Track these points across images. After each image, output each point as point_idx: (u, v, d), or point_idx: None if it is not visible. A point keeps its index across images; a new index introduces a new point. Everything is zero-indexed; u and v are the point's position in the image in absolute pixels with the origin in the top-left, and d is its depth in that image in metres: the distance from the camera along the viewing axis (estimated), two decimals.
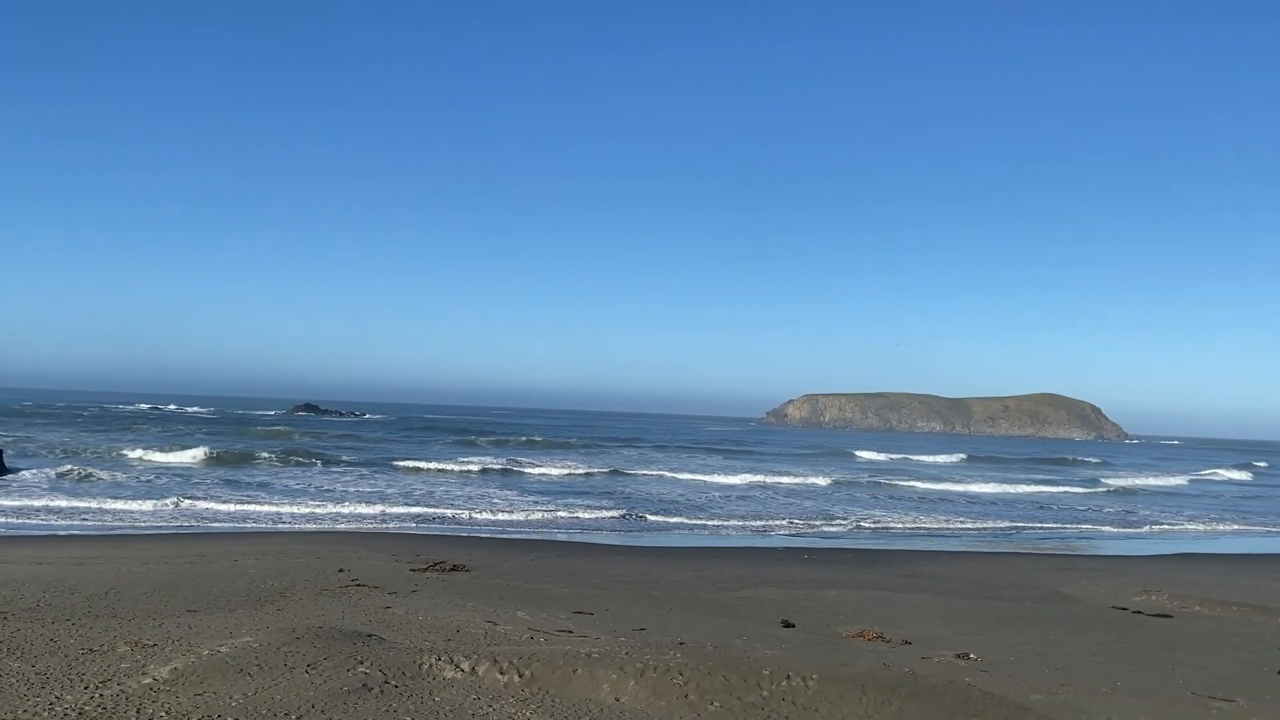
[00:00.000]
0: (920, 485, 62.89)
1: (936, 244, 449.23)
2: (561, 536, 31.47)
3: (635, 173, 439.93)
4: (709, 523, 38.07)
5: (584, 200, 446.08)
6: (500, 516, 36.89)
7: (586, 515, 38.42)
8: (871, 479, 65.32)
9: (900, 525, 40.53)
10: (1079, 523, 44.11)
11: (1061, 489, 64.43)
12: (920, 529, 39.91)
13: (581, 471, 60.06)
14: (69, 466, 48.62)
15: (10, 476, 43.69)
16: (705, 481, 57.35)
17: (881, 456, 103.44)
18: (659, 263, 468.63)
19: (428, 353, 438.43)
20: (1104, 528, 42.85)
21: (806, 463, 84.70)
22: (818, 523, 39.68)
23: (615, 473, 60.77)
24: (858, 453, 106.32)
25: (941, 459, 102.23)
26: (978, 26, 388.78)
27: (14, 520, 31.00)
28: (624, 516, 38.35)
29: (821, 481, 60.51)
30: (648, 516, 38.80)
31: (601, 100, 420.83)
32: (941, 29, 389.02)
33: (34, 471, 46.19)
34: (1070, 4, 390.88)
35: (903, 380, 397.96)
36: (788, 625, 16.55)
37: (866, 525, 39.78)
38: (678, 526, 36.79)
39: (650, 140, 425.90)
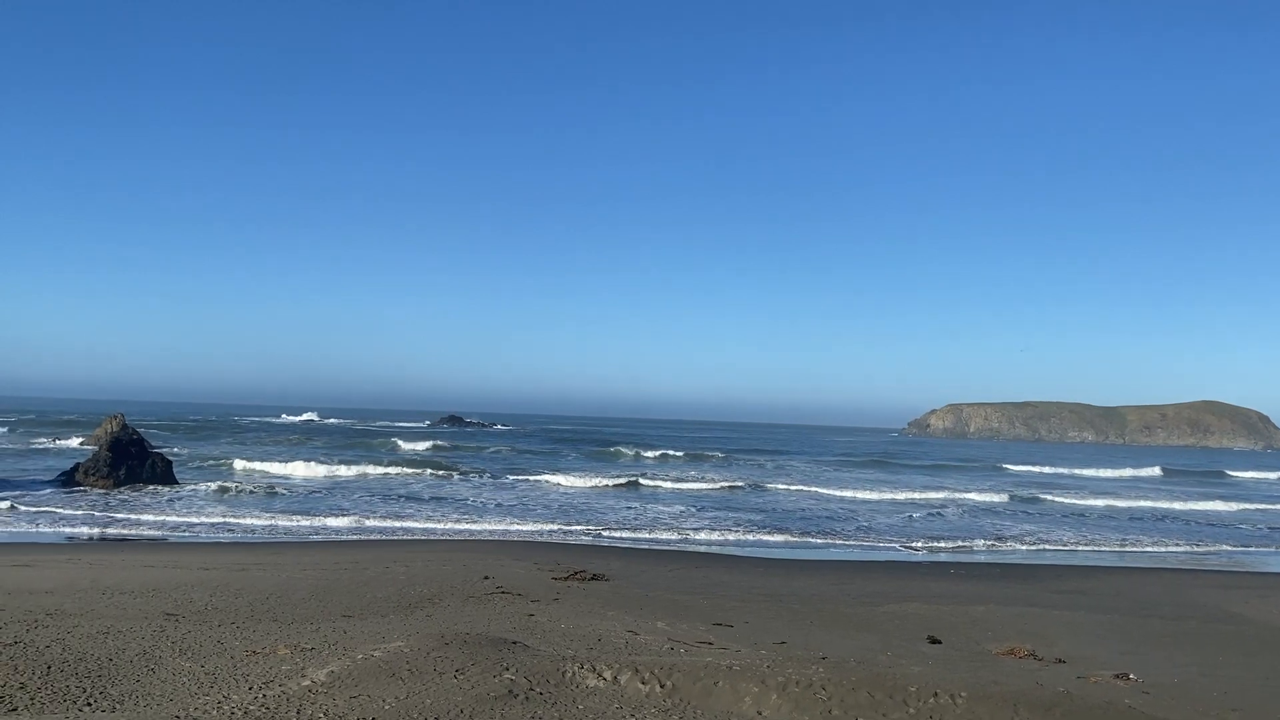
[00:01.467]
0: (1076, 500, 60.23)
1: (1081, 244, 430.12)
2: (700, 548, 31.45)
3: (758, 188, 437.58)
4: (849, 536, 37.43)
5: (710, 215, 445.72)
6: (640, 528, 37.13)
7: (726, 529, 38.28)
8: (1023, 492, 62.91)
9: (1054, 542, 38.93)
10: (1253, 544, 41.36)
11: (1236, 506, 60.55)
12: (1073, 545, 38.24)
13: (721, 485, 59.87)
14: (228, 479, 51.55)
15: (177, 488, 46.53)
16: (847, 496, 56.24)
17: (1034, 469, 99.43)
18: (793, 275, 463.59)
19: (563, 364, 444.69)
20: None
21: (953, 475, 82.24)
22: (964, 537, 38.49)
23: (755, 486, 60.31)
24: (1008, 465, 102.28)
25: (1107, 473, 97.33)
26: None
27: (183, 528, 32.91)
28: (764, 529, 38.06)
29: (972, 496, 58.55)
30: (788, 529, 38.41)
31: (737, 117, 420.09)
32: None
33: (197, 484, 49.06)
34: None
35: (1050, 388, 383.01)
36: (934, 641, 16.10)
37: (1016, 541, 38.39)
38: (817, 539, 36.29)
39: (769, 155, 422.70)
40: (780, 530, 37.95)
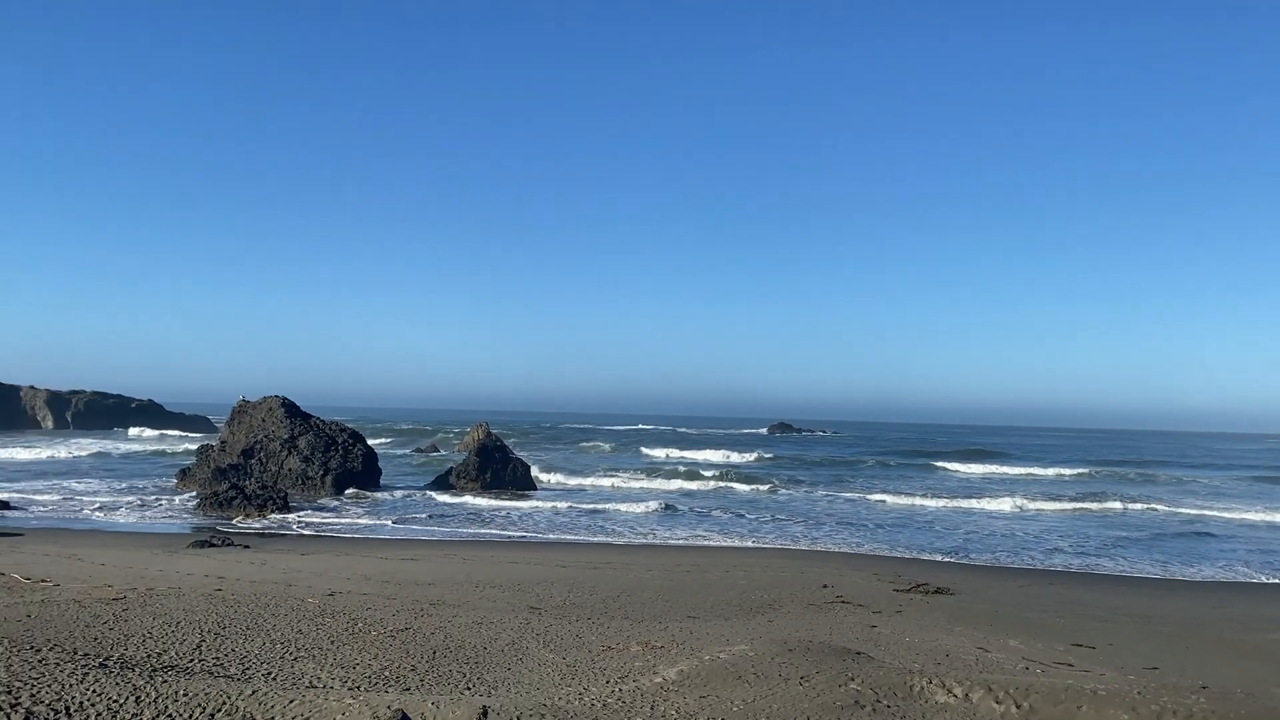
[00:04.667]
0: None
1: None
2: (1056, 565, 29.48)
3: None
4: (1233, 556, 33.56)
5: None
6: (987, 542, 35.42)
7: (1086, 551, 35.63)
8: None
9: None
10: None
11: None
12: None
13: (1083, 496, 55.78)
14: (576, 483, 55.02)
15: (534, 492, 50.28)
16: (1228, 517, 50.09)
17: None
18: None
19: (888, 368, 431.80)
20: None
21: None
22: None
23: (1118, 501, 55.68)
24: None
25: None
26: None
27: (540, 529, 35.47)
28: (1126, 543, 35.05)
29: None
30: (1159, 544, 35.10)
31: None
32: None
33: (549, 488, 52.71)
34: None
35: None
36: None
37: None
38: (1191, 554, 32.84)
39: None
40: (1145, 541, 34.72)
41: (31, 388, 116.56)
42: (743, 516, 40.96)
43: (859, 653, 11.71)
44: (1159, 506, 50.20)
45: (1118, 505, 50.42)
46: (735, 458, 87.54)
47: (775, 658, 10.71)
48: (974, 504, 48.83)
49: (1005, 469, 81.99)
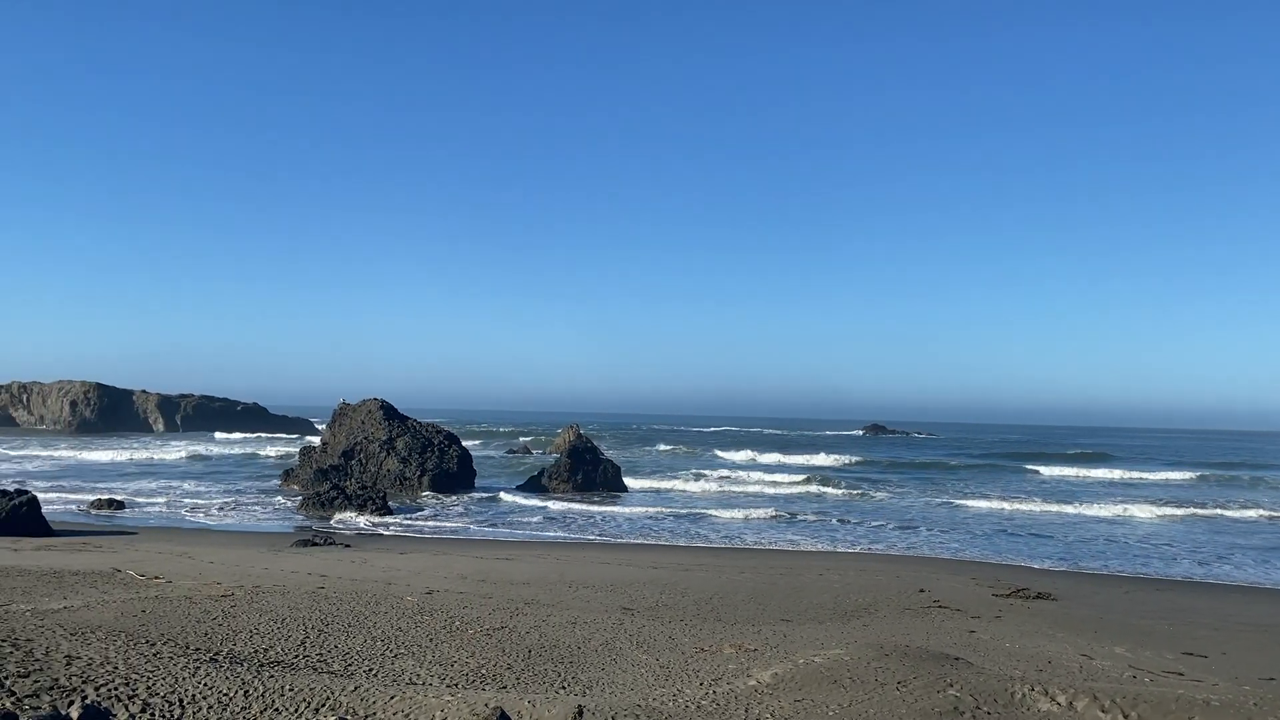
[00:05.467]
0: None
1: None
2: (1164, 571, 28.45)
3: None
4: None
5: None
6: (1090, 547, 34.39)
7: (1199, 550, 34.35)
8: None
9: None
10: None
11: None
12: None
13: (1192, 501, 53.75)
14: (664, 486, 55.12)
15: (624, 493, 50.53)
16: None
17: None
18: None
19: (991, 369, 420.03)
20: None
21: None
22: None
23: (1234, 500, 53.50)
24: None
25: None
26: None
27: (633, 530, 35.62)
28: (1239, 550, 33.66)
29: None
30: (1277, 552, 33.62)
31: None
32: None
33: (638, 490, 52.88)
34: None
35: None
36: None
37: None
38: None
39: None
40: (1251, 553, 33.27)
41: (143, 392, 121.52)
42: (835, 520, 40.52)
43: (957, 658, 11.50)
44: (1275, 512, 48.05)
45: (1230, 511, 48.39)
46: (827, 460, 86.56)
47: (871, 662, 10.59)
48: (1077, 509, 47.41)
49: (1110, 472, 79.29)
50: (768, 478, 62.09)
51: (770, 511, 42.20)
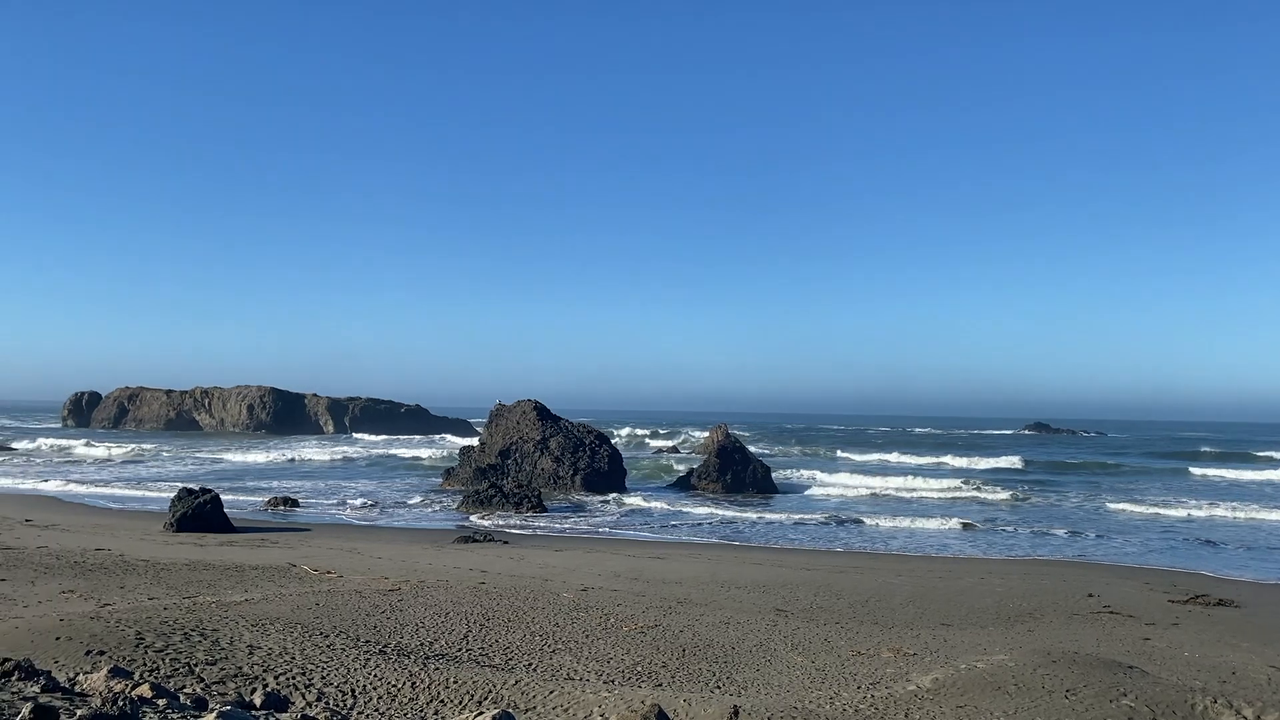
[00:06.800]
0: None
1: None
2: None
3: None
4: None
5: None
6: (1277, 554, 32.19)
7: None
8: None
9: None
10: None
11: None
12: None
13: None
14: (819, 489, 54.41)
15: (775, 495, 50.19)
16: None
17: None
18: None
19: (1178, 359, 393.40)
20: None
21: None
22: None
23: None
24: None
25: None
26: None
27: (783, 533, 35.37)
28: None
29: None
30: None
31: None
32: None
33: (791, 492, 52.37)
34: None
35: None
36: None
37: None
38: None
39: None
40: None
41: (314, 395, 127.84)
42: (994, 523, 39.23)
43: (1131, 666, 10.98)
44: None
45: None
46: (985, 462, 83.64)
47: (1038, 669, 10.21)
48: (1261, 513, 44.48)
49: None
50: (924, 480, 60.54)
51: (928, 515, 41.18)
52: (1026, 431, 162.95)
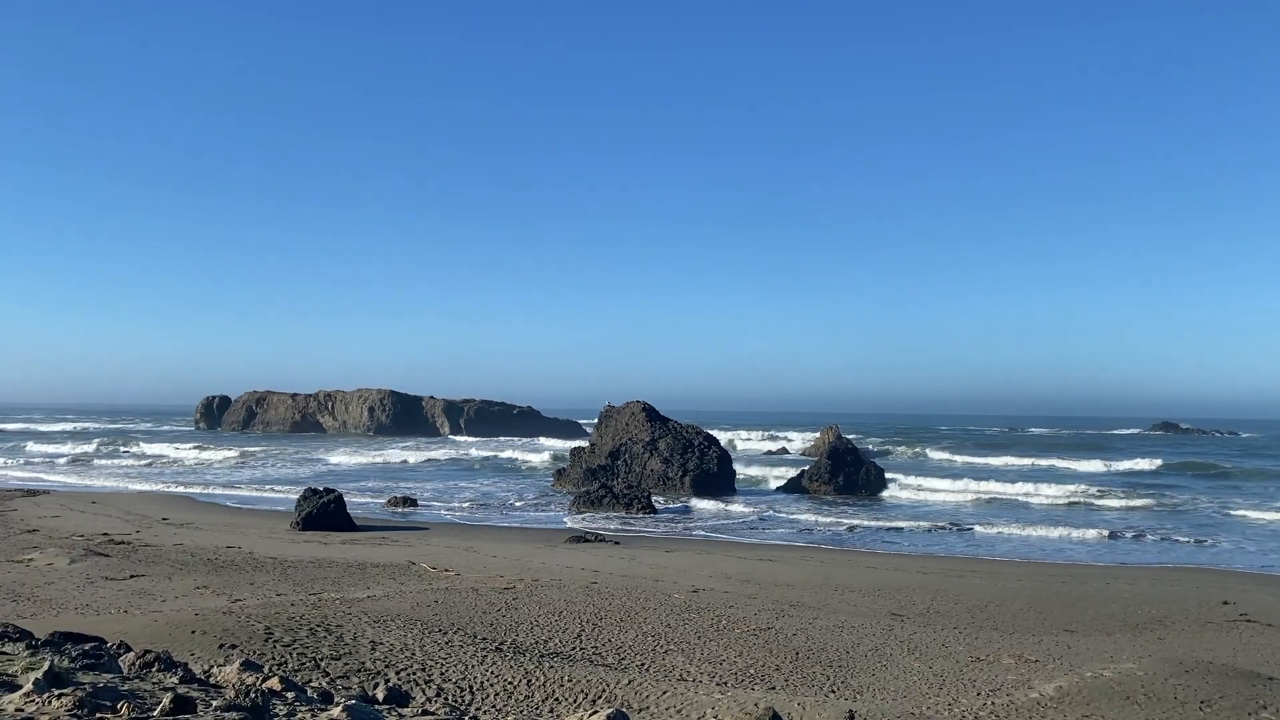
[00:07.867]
0: None
1: None
2: None
3: None
4: None
5: None
6: None
7: None
8: None
9: None
10: None
11: None
12: None
13: None
14: (930, 493, 53.28)
15: (886, 497, 49.35)
16: None
17: None
18: None
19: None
20: None
21: None
22: None
23: None
24: None
25: None
26: None
27: (901, 538, 34.75)
28: None
29: None
30: None
31: None
32: None
33: (902, 493, 51.41)
34: None
35: None
36: None
37: None
38: None
39: None
40: None
41: (431, 398, 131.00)
42: (1117, 527, 37.79)
43: (1271, 678, 10.47)
44: None
45: None
46: (1109, 465, 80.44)
47: (1169, 679, 9.81)
48: None
49: None
50: (1043, 484, 58.65)
51: (1047, 520, 39.96)
52: (1153, 431, 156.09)
